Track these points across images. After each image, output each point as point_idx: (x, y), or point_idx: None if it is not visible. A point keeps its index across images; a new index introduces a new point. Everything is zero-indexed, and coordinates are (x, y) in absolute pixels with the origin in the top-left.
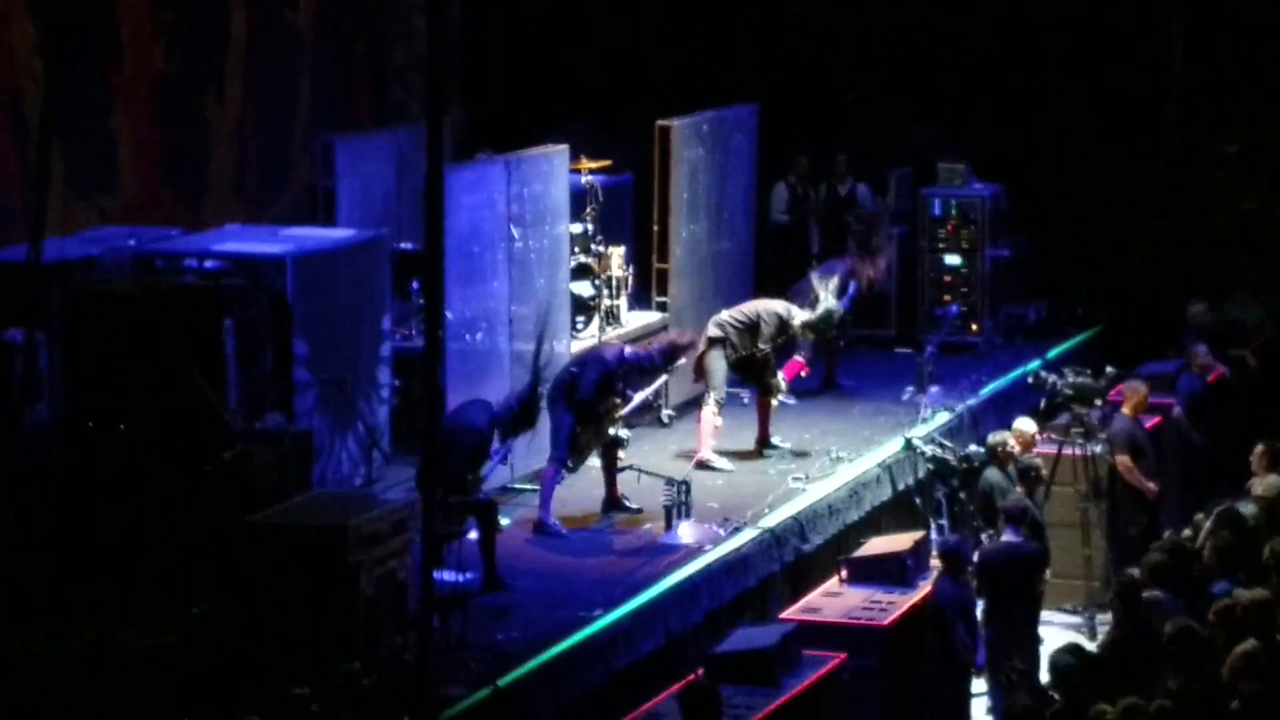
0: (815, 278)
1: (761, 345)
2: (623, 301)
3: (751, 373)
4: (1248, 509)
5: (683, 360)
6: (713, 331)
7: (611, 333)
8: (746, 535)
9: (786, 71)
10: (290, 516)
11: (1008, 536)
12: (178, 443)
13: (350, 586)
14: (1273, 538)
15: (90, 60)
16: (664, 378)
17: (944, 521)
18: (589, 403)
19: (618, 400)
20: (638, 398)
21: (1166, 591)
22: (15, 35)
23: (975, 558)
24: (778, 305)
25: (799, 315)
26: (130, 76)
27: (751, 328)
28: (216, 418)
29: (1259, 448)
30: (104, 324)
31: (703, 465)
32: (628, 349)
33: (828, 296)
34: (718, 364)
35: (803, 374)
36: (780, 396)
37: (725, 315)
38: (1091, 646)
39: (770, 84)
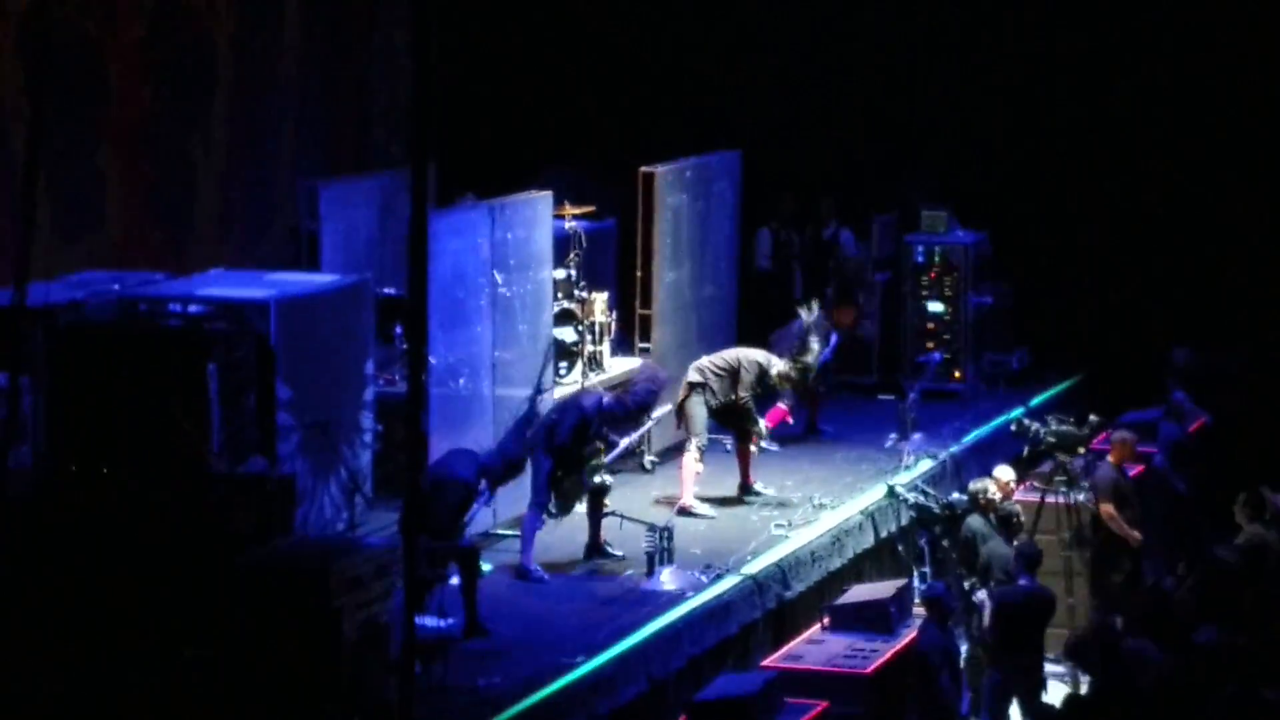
0: (809, 325)
1: (741, 393)
2: (605, 347)
3: (732, 419)
4: (1229, 557)
5: (668, 407)
6: (693, 377)
7: (594, 378)
8: (729, 582)
9: (770, 118)
10: (272, 561)
11: (1023, 581)
12: (160, 486)
13: (332, 631)
14: (1254, 586)
15: (78, 101)
16: (649, 424)
17: (927, 569)
18: (566, 448)
19: (600, 447)
20: (621, 445)
21: (1150, 640)
22: (3, 75)
23: (992, 601)
24: (758, 354)
25: (777, 365)
26: (118, 118)
27: (732, 375)
28: (199, 461)
29: (1242, 497)
30: (88, 367)
31: (685, 511)
32: (606, 397)
33: (813, 345)
34: (698, 410)
35: (787, 421)
36: (763, 443)
37: (705, 361)
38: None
39: (754, 131)
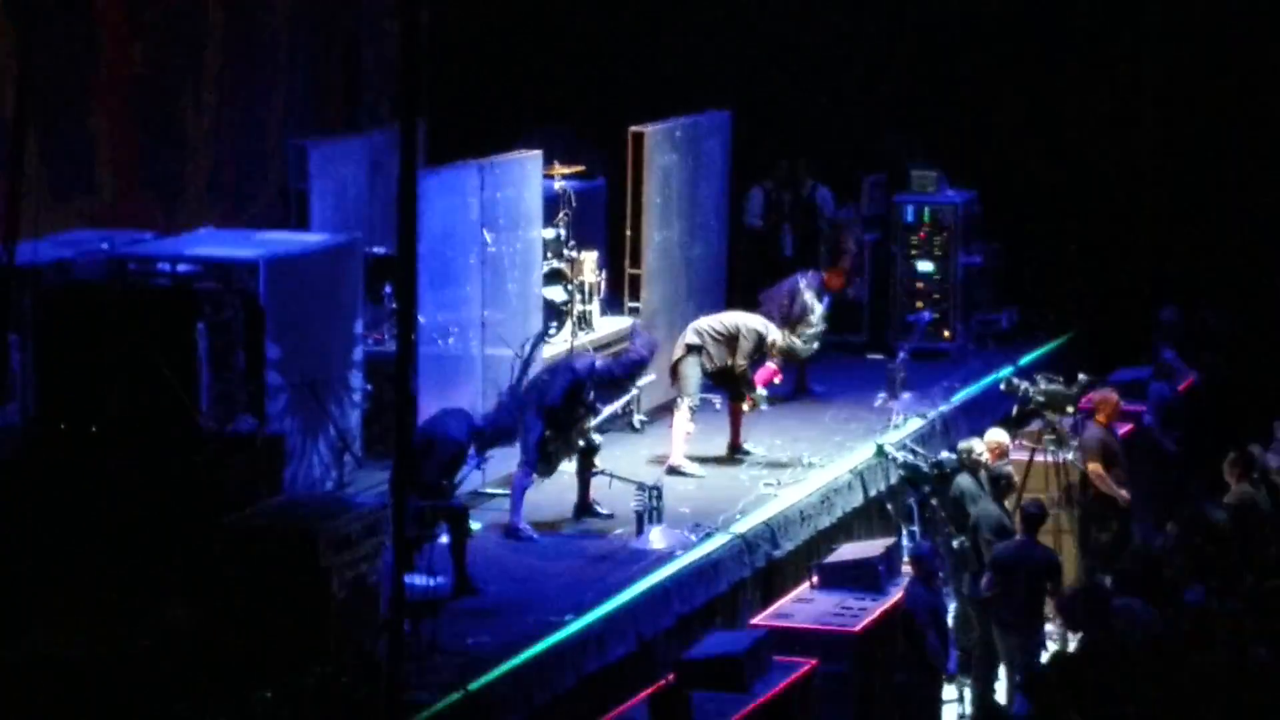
0: (802, 289)
1: (739, 360)
2: (595, 306)
3: (726, 382)
4: (1218, 516)
5: (652, 376)
6: (691, 339)
7: (584, 337)
8: (718, 540)
9: (760, 77)
10: (261, 520)
11: (1019, 538)
12: (149, 445)
13: (321, 590)
14: (1243, 545)
15: (68, 62)
16: (635, 391)
17: (915, 528)
18: (556, 409)
19: (588, 409)
20: (606, 411)
21: (1138, 599)
22: None
23: (990, 557)
24: (757, 322)
25: (774, 333)
26: (108, 79)
27: (729, 341)
28: (188, 420)
29: (1231, 456)
30: (76, 326)
31: (674, 471)
32: (598, 360)
33: (812, 317)
34: (693, 371)
35: (776, 380)
36: (759, 404)
37: (705, 323)
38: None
39: (744, 90)
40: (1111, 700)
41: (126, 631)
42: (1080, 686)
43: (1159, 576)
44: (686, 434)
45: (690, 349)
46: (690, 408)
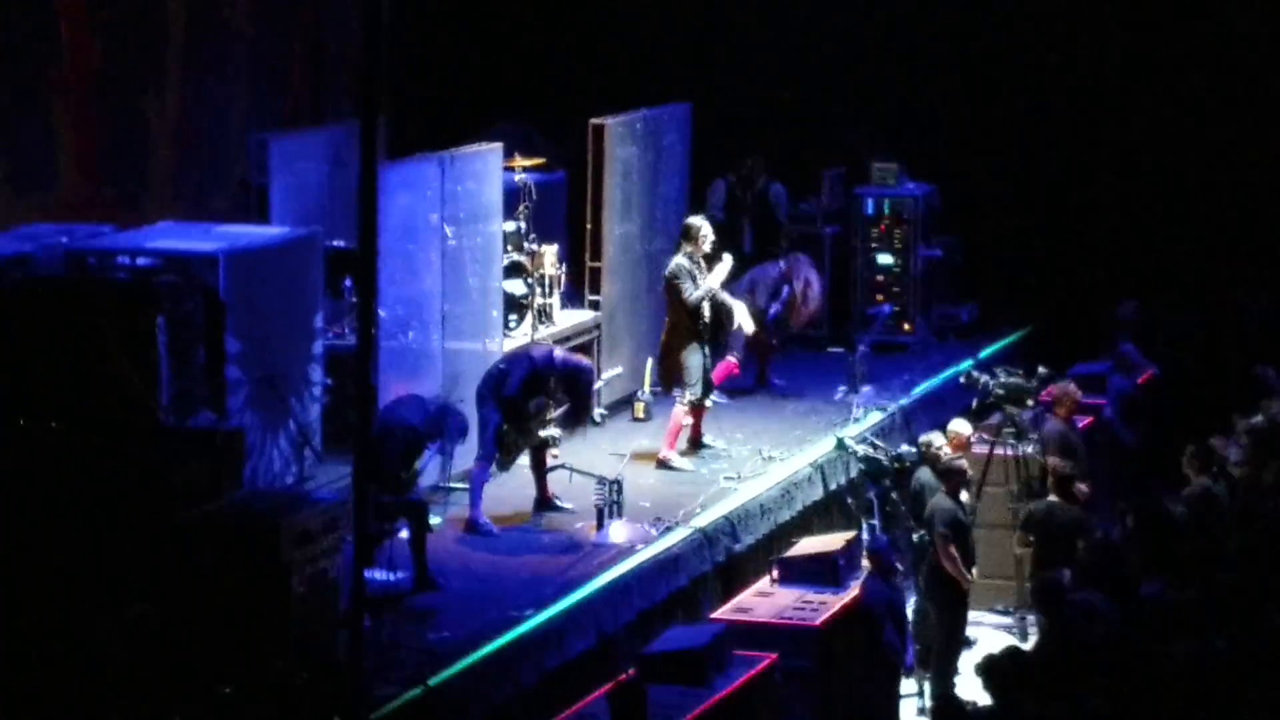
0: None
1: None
2: (555, 300)
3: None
4: (1177, 509)
5: (618, 369)
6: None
7: (544, 331)
8: (678, 534)
9: (720, 70)
10: (221, 515)
11: (1052, 497)
12: (108, 440)
13: (281, 585)
14: (1201, 539)
15: (28, 57)
16: (599, 383)
17: (875, 521)
18: (514, 400)
19: (548, 401)
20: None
21: (1097, 592)
22: None
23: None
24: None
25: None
26: (69, 74)
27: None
28: (148, 415)
29: (1190, 449)
30: (35, 321)
31: (664, 464)
32: (557, 351)
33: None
34: (693, 359)
35: (734, 374)
36: (713, 396)
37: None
38: (1025, 647)
39: (705, 83)
40: (1070, 692)
41: (85, 628)
42: (1038, 678)
43: (1118, 569)
44: (680, 426)
45: (668, 339)
46: (690, 400)
